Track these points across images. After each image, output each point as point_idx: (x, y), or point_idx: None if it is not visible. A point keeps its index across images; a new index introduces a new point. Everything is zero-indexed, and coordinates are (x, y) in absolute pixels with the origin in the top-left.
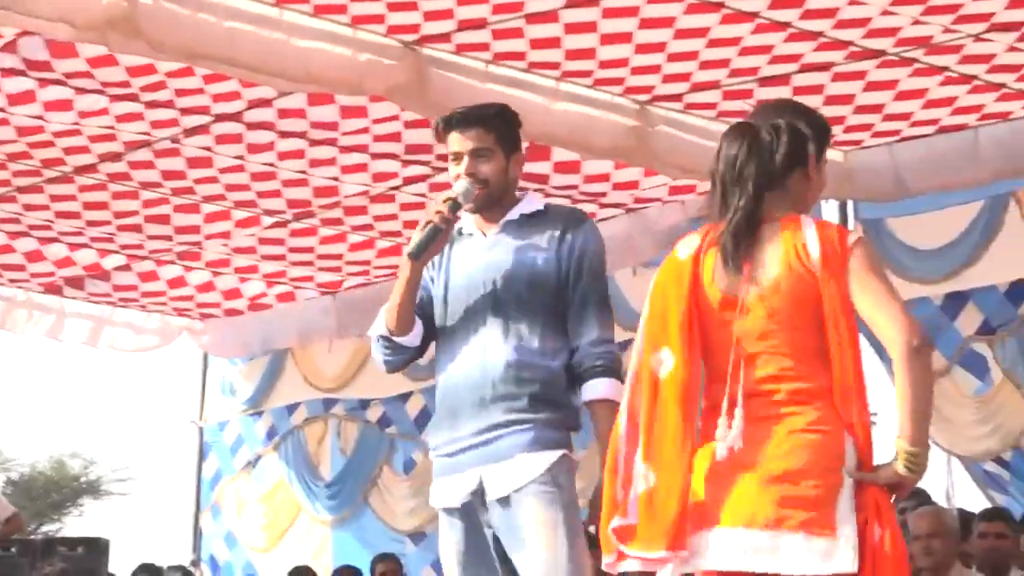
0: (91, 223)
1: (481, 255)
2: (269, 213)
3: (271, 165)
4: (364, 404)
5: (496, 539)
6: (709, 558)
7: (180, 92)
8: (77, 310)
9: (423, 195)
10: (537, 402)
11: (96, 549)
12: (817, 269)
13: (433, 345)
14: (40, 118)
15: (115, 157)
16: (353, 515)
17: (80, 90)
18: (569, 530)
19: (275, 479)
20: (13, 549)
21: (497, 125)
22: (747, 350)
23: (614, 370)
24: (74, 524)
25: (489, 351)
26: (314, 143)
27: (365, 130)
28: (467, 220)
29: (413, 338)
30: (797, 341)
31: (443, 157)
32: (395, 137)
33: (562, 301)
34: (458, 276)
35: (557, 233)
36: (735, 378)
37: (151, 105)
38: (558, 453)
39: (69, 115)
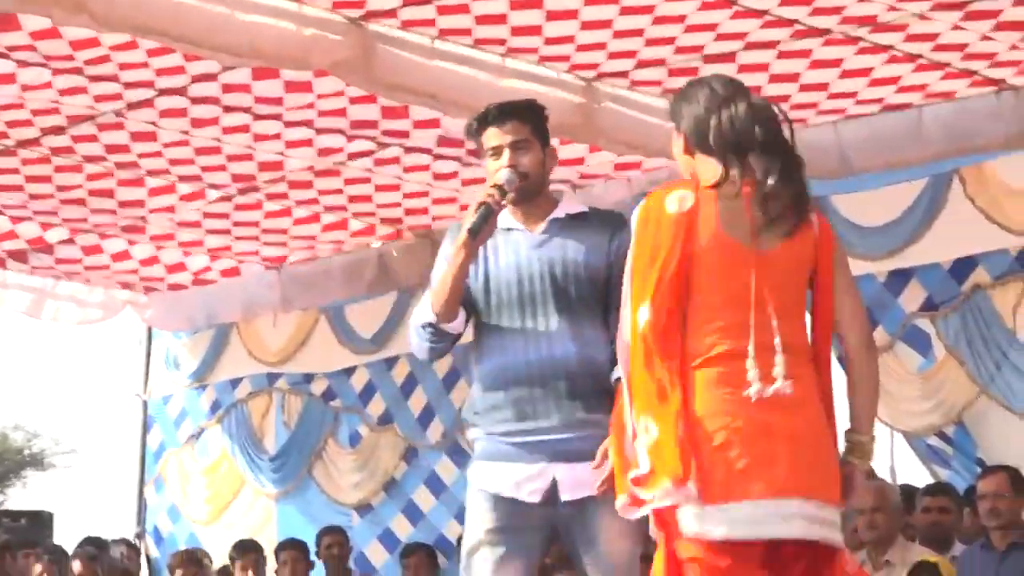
0: (34, 196)
1: (532, 250)
2: (214, 187)
3: (216, 139)
4: (308, 378)
5: (555, 534)
6: (767, 525)
7: (124, 66)
8: (19, 282)
9: (368, 170)
10: (606, 400)
11: (39, 521)
12: (815, 238)
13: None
14: None
15: (58, 131)
16: (297, 488)
17: (23, 63)
18: (637, 542)
19: (218, 452)
20: None
21: (531, 118)
22: (772, 302)
23: None
24: (17, 496)
25: (556, 344)
26: (259, 118)
27: (310, 105)
28: (505, 216)
29: (458, 324)
30: (801, 302)
31: (389, 132)
32: (340, 112)
33: (608, 298)
34: (504, 268)
35: (607, 234)
36: (765, 326)
37: (95, 79)
38: None
39: (12, 88)
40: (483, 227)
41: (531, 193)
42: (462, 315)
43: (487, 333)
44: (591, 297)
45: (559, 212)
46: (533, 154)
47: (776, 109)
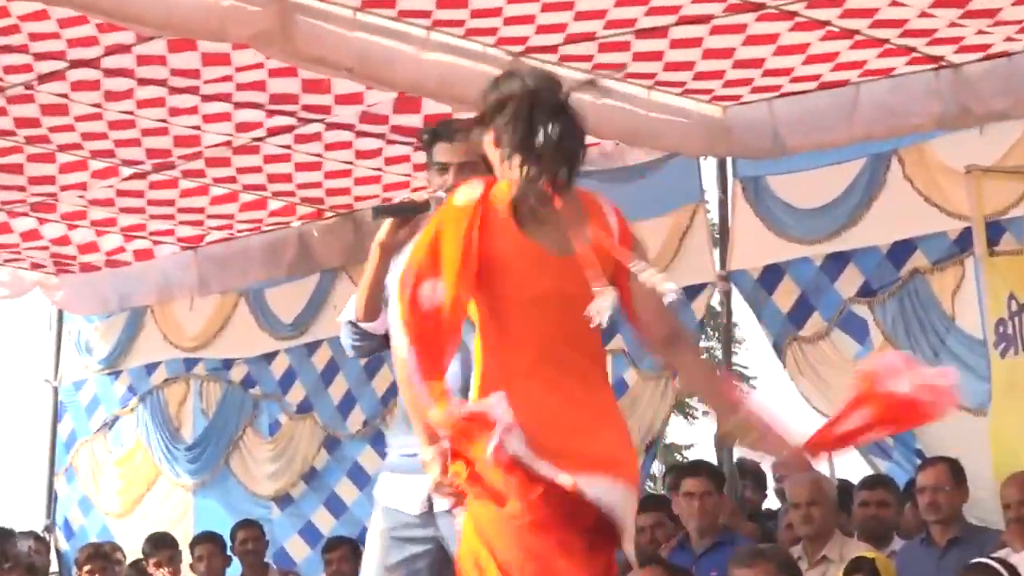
0: None
1: None
2: (127, 163)
3: (130, 113)
4: (227, 364)
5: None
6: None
7: (34, 36)
8: None
9: (288, 147)
10: None
11: None
12: (616, 242)
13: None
14: None
15: None
16: (215, 479)
17: None
18: None
19: (133, 441)
20: None
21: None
22: (573, 303)
23: None
24: None
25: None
26: (174, 91)
27: (228, 78)
28: None
29: (379, 325)
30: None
31: (310, 108)
32: (259, 86)
33: None
34: None
35: None
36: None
37: (3, 50)
38: None
39: None
40: (390, 241)
41: None
42: (383, 317)
43: None
44: None
45: None
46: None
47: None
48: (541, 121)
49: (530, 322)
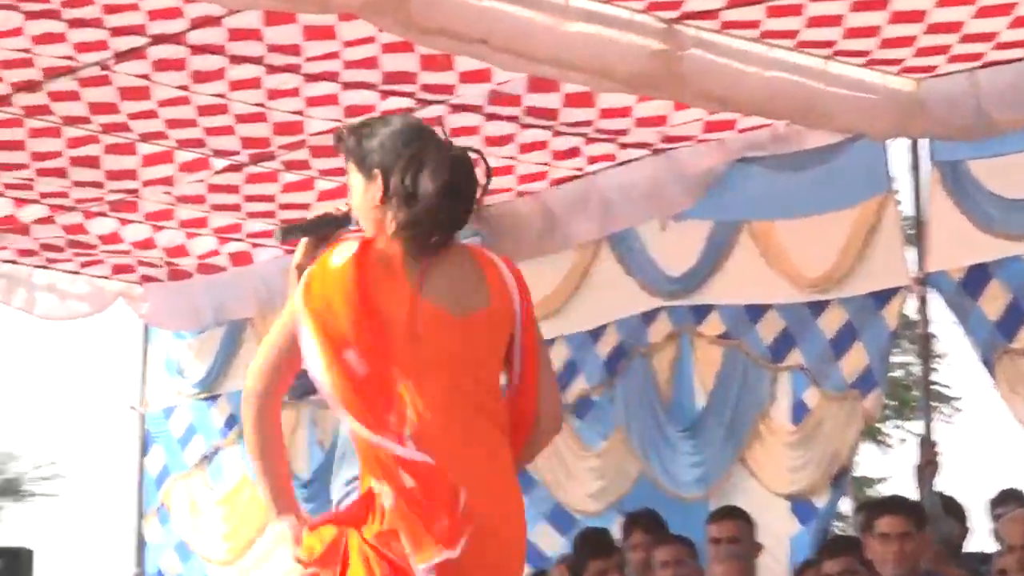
0: (4, 167)
1: None
2: (220, 154)
3: (221, 96)
4: None
5: None
6: None
7: (109, 8)
8: None
9: None
10: None
11: (17, 562)
12: (515, 303)
13: None
14: None
15: (32, 87)
16: None
17: None
18: None
19: (238, 477)
20: None
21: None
22: (476, 367)
23: None
24: None
25: None
26: (273, 70)
27: (335, 55)
28: None
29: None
30: (497, 367)
31: (430, 87)
32: (371, 63)
33: None
34: None
35: None
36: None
37: (75, 24)
38: None
39: None
40: (307, 263)
41: None
42: None
43: None
44: None
45: None
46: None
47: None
48: (433, 174)
49: (428, 386)
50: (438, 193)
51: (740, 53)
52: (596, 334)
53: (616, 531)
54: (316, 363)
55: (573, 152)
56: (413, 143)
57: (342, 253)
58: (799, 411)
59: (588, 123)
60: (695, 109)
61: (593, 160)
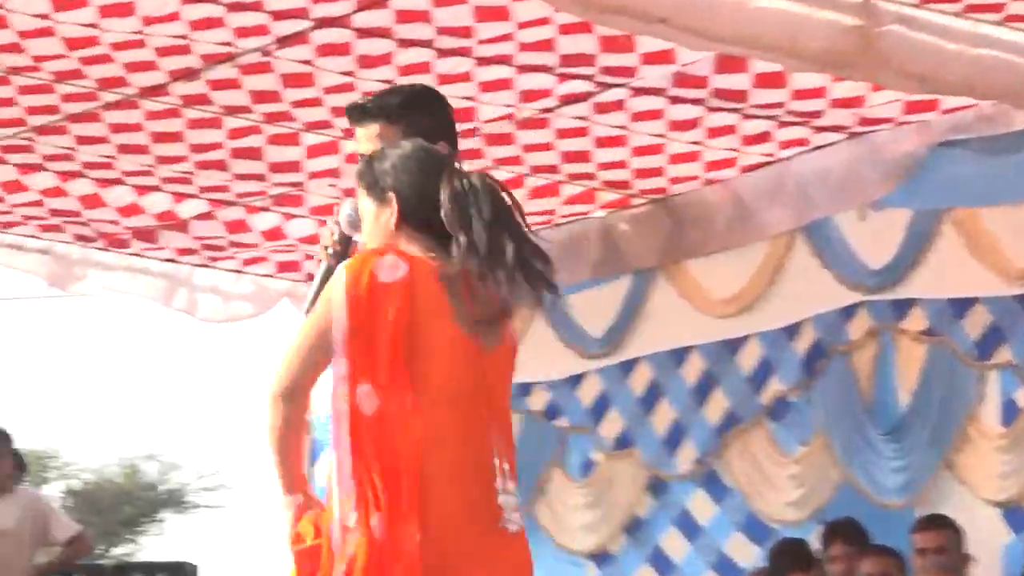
0: (162, 160)
1: None
2: None
3: (389, 83)
4: (525, 389)
5: None
6: None
7: None
8: (146, 267)
9: (584, 118)
10: None
11: None
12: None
13: None
14: (94, 26)
15: (190, 75)
16: None
17: None
18: None
19: None
20: None
21: (398, 116)
22: (502, 406)
23: None
24: (153, 545)
25: None
26: (443, 54)
27: (508, 37)
28: None
29: None
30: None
31: (610, 70)
32: (547, 45)
33: None
34: None
35: None
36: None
37: (234, 8)
38: None
39: (130, 22)
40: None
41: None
42: None
43: None
44: None
45: None
46: None
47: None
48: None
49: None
50: (491, 223)
51: (943, 28)
52: (791, 331)
53: (814, 542)
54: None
55: (764, 136)
56: (427, 166)
57: (390, 270)
58: (1010, 412)
59: (780, 105)
60: (893, 90)
61: (785, 145)
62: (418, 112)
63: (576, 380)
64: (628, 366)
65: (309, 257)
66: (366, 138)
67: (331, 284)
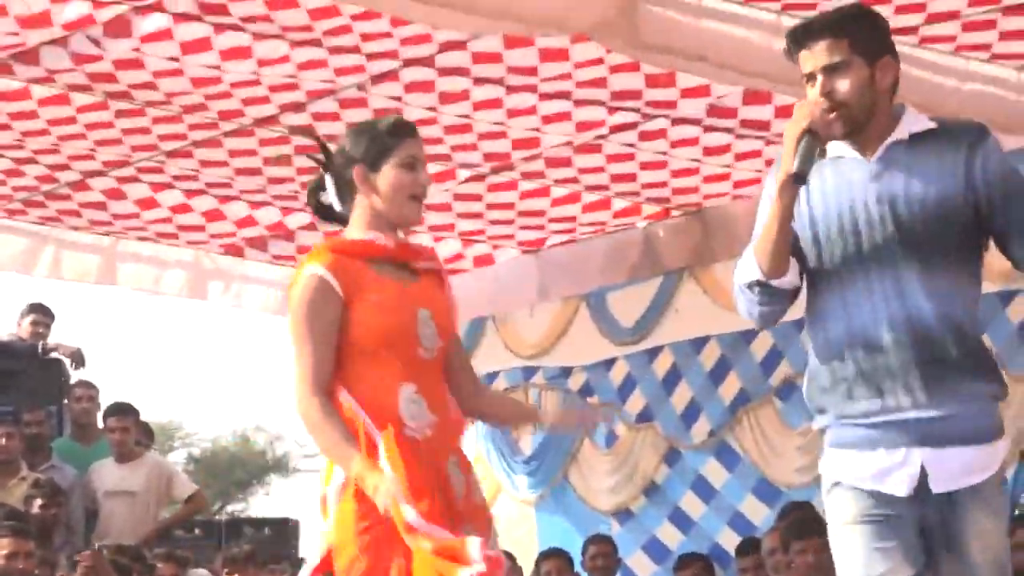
0: (273, 180)
1: (868, 183)
2: (464, 167)
3: (466, 116)
4: (566, 372)
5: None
6: None
7: (366, 36)
8: (260, 275)
9: (631, 144)
10: (982, 370)
11: (285, 531)
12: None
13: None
14: (216, 67)
15: (297, 108)
16: (553, 493)
17: (259, 36)
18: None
19: (472, 456)
20: (197, 530)
21: (849, 30)
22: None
23: None
24: (260, 504)
25: (909, 301)
26: (512, 90)
27: (567, 75)
28: (834, 143)
29: (792, 278)
30: None
31: (654, 103)
32: (600, 82)
33: (976, 237)
34: (837, 208)
35: (963, 151)
36: None
37: (335, 51)
38: (1005, 443)
39: (247, 64)
40: (806, 167)
41: (858, 122)
42: (795, 266)
43: (821, 291)
44: (946, 238)
45: (900, 133)
46: (854, 76)
47: None
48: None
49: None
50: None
51: (936, 66)
52: (800, 324)
53: (818, 505)
54: None
55: None
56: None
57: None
58: None
59: None
60: None
61: None
62: (862, 23)
63: (609, 364)
64: (654, 353)
65: None
66: (813, 57)
67: None
